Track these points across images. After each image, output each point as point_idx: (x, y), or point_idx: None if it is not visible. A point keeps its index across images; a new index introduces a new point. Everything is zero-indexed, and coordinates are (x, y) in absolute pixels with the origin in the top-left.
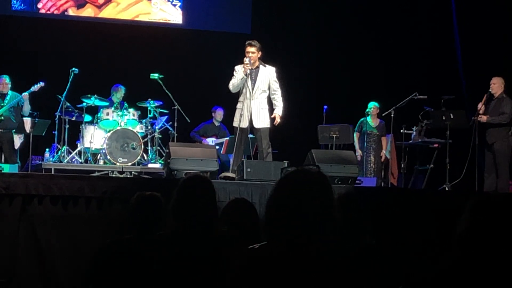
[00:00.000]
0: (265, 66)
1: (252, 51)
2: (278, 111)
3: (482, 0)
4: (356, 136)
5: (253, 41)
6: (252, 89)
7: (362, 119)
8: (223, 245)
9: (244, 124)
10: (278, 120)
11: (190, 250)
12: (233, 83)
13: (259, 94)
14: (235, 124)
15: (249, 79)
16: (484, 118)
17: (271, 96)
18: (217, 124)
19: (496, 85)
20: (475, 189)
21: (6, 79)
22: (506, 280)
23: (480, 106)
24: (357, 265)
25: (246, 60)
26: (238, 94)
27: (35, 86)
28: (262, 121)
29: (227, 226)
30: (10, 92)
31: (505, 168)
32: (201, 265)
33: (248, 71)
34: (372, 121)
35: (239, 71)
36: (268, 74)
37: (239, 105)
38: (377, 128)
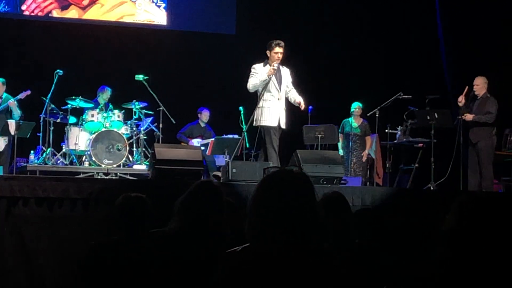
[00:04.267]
0: (282, 66)
1: (281, 52)
2: (301, 99)
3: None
4: (340, 137)
5: (281, 41)
6: (280, 88)
7: (344, 120)
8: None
9: (275, 122)
10: (303, 104)
11: (189, 251)
12: (255, 84)
13: (284, 95)
14: (264, 123)
15: (275, 79)
16: (469, 117)
17: (289, 92)
18: (202, 125)
19: (480, 86)
20: (460, 188)
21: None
22: (492, 276)
23: (461, 99)
24: (343, 265)
25: (275, 65)
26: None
27: (22, 94)
28: (285, 122)
29: None
30: (4, 95)
31: (488, 167)
32: (196, 267)
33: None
34: (354, 121)
35: (260, 72)
36: (287, 75)
37: (266, 104)
38: (359, 128)
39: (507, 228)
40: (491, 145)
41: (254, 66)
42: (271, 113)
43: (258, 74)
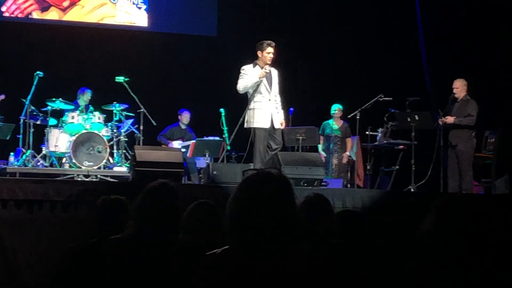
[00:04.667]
0: (271, 67)
1: (273, 52)
2: (282, 117)
3: (446, 2)
4: (321, 139)
5: (272, 41)
6: (271, 90)
7: (324, 122)
8: (185, 253)
9: (267, 124)
10: (284, 125)
11: (147, 254)
12: (246, 86)
13: (275, 96)
14: (256, 124)
15: (265, 80)
16: (450, 119)
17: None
18: (183, 127)
19: (459, 89)
20: (440, 190)
21: None
22: (469, 278)
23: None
24: (323, 265)
25: (267, 68)
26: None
27: None
28: (279, 122)
29: (190, 230)
30: None
31: (468, 169)
32: (157, 270)
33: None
34: (335, 123)
35: (249, 73)
36: (277, 76)
37: (257, 105)
38: (340, 130)
39: (485, 229)
40: (471, 147)
41: (243, 67)
42: (263, 114)
43: (248, 75)
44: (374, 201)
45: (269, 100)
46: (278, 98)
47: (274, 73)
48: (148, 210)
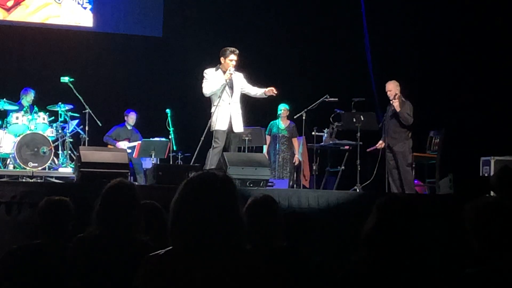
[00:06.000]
0: (234, 72)
1: (236, 59)
2: (265, 89)
3: (391, 5)
4: (267, 139)
5: (236, 49)
6: (232, 94)
7: (271, 122)
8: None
9: (224, 126)
10: (273, 88)
11: (111, 254)
12: (212, 89)
13: (237, 99)
14: (216, 127)
15: (226, 85)
16: (396, 103)
17: (249, 89)
18: (129, 127)
19: (392, 91)
20: (385, 190)
21: None
22: (409, 275)
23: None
24: (265, 266)
25: (232, 70)
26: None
27: None
28: (240, 126)
29: None
30: None
31: (407, 169)
32: (119, 270)
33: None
34: (282, 123)
35: (211, 76)
36: (240, 79)
37: (217, 109)
38: (286, 130)
39: (425, 229)
40: (408, 148)
41: (205, 71)
42: (220, 117)
43: (210, 78)
44: (319, 202)
45: (229, 104)
46: (254, 88)
47: (237, 76)
48: (109, 210)
